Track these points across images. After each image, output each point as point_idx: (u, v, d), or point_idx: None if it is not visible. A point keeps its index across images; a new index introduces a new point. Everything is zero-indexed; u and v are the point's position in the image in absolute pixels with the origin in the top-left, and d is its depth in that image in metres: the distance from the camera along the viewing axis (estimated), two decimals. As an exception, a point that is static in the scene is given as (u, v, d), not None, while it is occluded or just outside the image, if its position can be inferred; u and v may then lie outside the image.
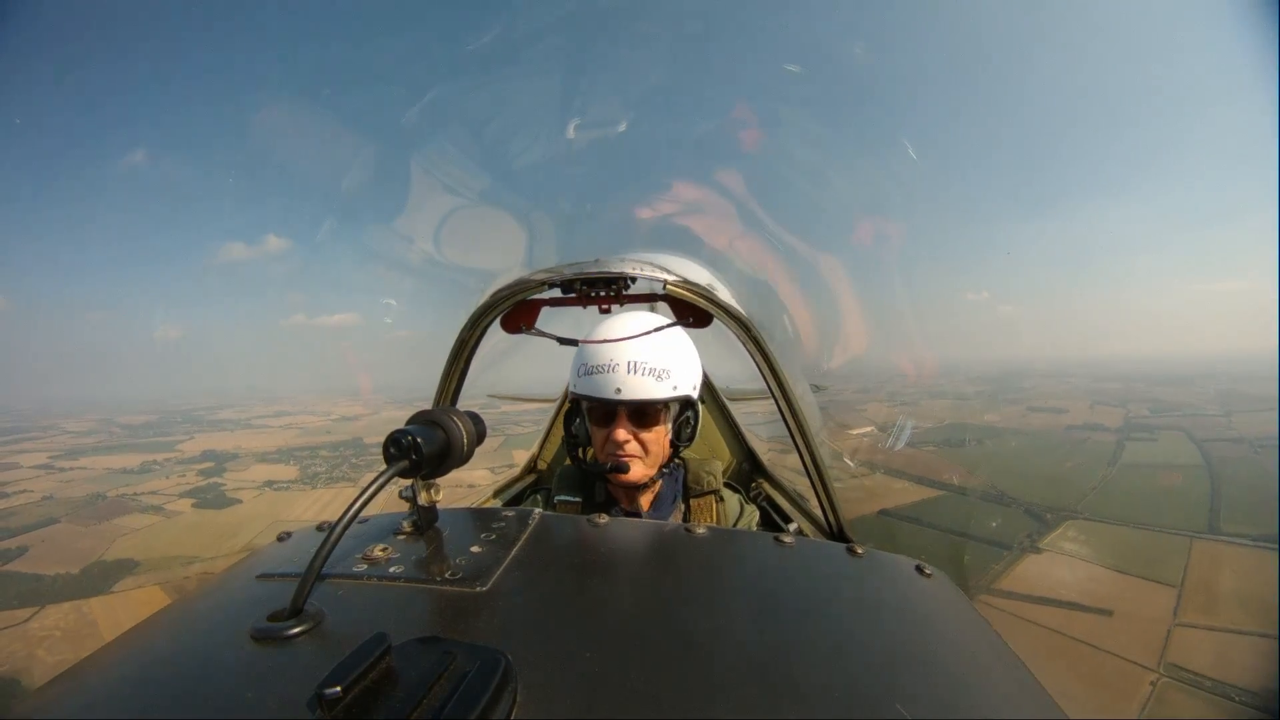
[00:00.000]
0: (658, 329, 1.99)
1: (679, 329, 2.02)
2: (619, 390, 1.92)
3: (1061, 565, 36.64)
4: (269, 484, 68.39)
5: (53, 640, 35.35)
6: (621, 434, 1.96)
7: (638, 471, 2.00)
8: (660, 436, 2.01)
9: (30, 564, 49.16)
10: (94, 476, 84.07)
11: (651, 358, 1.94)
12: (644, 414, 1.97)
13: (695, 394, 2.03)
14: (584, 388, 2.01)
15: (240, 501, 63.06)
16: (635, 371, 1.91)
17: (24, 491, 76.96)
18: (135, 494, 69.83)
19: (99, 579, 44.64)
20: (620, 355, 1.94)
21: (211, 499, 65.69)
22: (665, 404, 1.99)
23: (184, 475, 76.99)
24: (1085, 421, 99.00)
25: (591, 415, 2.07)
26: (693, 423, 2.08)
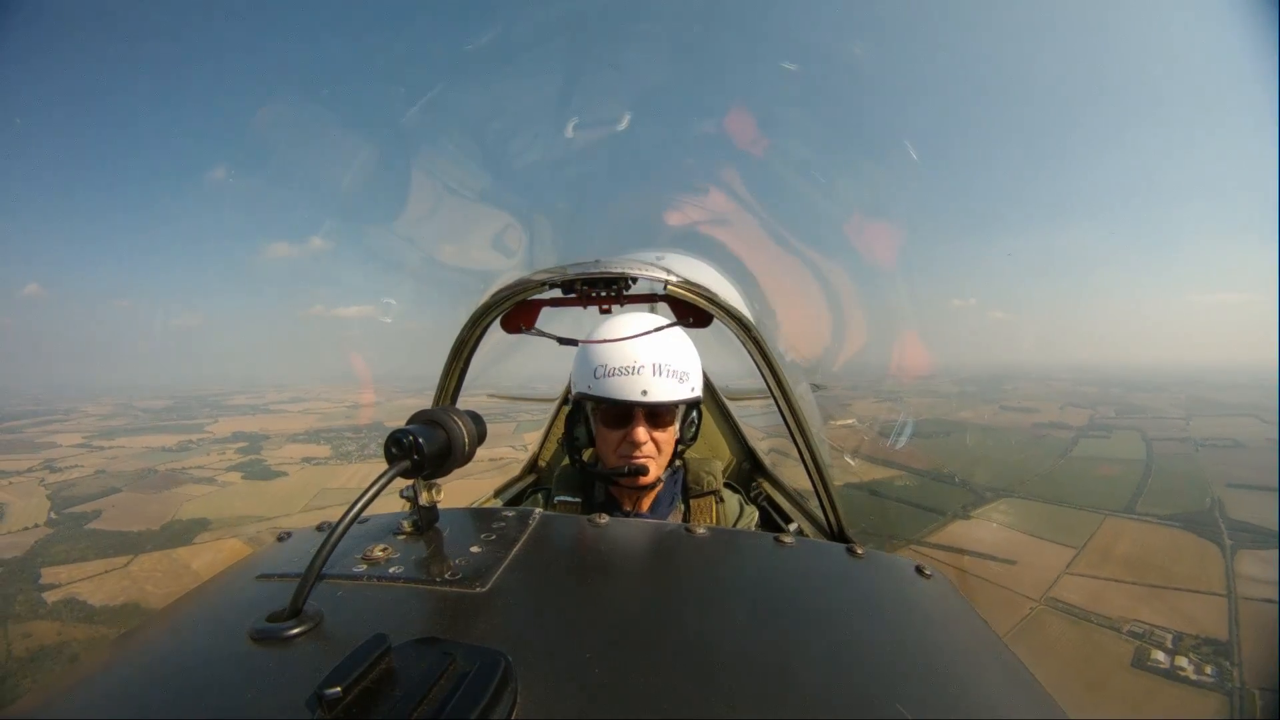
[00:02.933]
0: (666, 326, 1.98)
1: (680, 328, 1.98)
2: (645, 392, 1.88)
3: (984, 529, 44.13)
4: (307, 460, 75.44)
5: (155, 578, 42.71)
6: (642, 435, 1.93)
7: (653, 473, 1.98)
8: (672, 437, 2.01)
9: (109, 524, 56.30)
10: (136, 454, 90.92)
11: (674, 360, 1.91)
12: (659, 415, 1.95)
13: (701, 394, 2.02)
14: (604, 389, 1.93)
15: (286, 474, 69.98)
16: (660, 374, 1.89)
17: (75, 466, 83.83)
18: (183, 468, 76.74)
19: (179, 534, 52.01)
20: (644, 357, 1.89)
21: (258, 472, 72.52)
22: (680, 405, 1.97)
23: (223, 453, 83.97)
24: (1052, 421, 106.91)
25: (604, 417, 2.01)
26: (696, 422, 2.08)
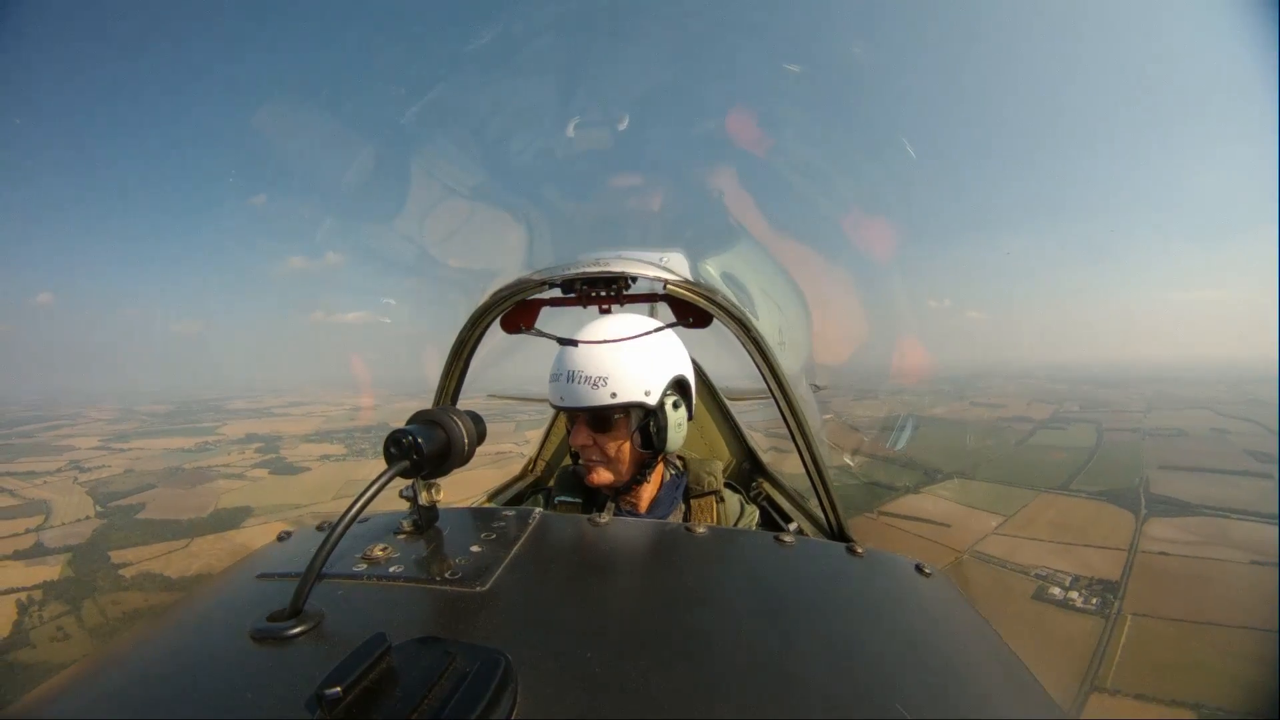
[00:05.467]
0: (667, 326, 2.01)
1: (652, 336, 1.97)
2: (562, 398, 1.94)
3: (930, 501, 51.21)
4: (325, 457, 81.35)
5: (217, 555, 48.74)
6: (580, 438, 1.98)
7: (599, 475, 2.02)
8: (621, 443, 1.99)
9: (156, 513, 62.04)
10: (157, 454, 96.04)
11: (588, 366, 1.91)
12: (602, 419, 1.96)
13: (651, 400, 1.95)
14: (549, 394, 2.03)
15: (309, 469, 75.95)
16: (573, 380, 1.91)
17: (103, 466, 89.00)
18: (210, 466, 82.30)
19: (228, 519, 58.01)
20: (567, 364, 1.94)
21: (282, 468, 78.52)
22: (616, 411, 1.94)
23: (243, 452, 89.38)
24: (1016, 415, 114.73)
25: (566, 420, 2.09)
26: (661, 430, 2.01)
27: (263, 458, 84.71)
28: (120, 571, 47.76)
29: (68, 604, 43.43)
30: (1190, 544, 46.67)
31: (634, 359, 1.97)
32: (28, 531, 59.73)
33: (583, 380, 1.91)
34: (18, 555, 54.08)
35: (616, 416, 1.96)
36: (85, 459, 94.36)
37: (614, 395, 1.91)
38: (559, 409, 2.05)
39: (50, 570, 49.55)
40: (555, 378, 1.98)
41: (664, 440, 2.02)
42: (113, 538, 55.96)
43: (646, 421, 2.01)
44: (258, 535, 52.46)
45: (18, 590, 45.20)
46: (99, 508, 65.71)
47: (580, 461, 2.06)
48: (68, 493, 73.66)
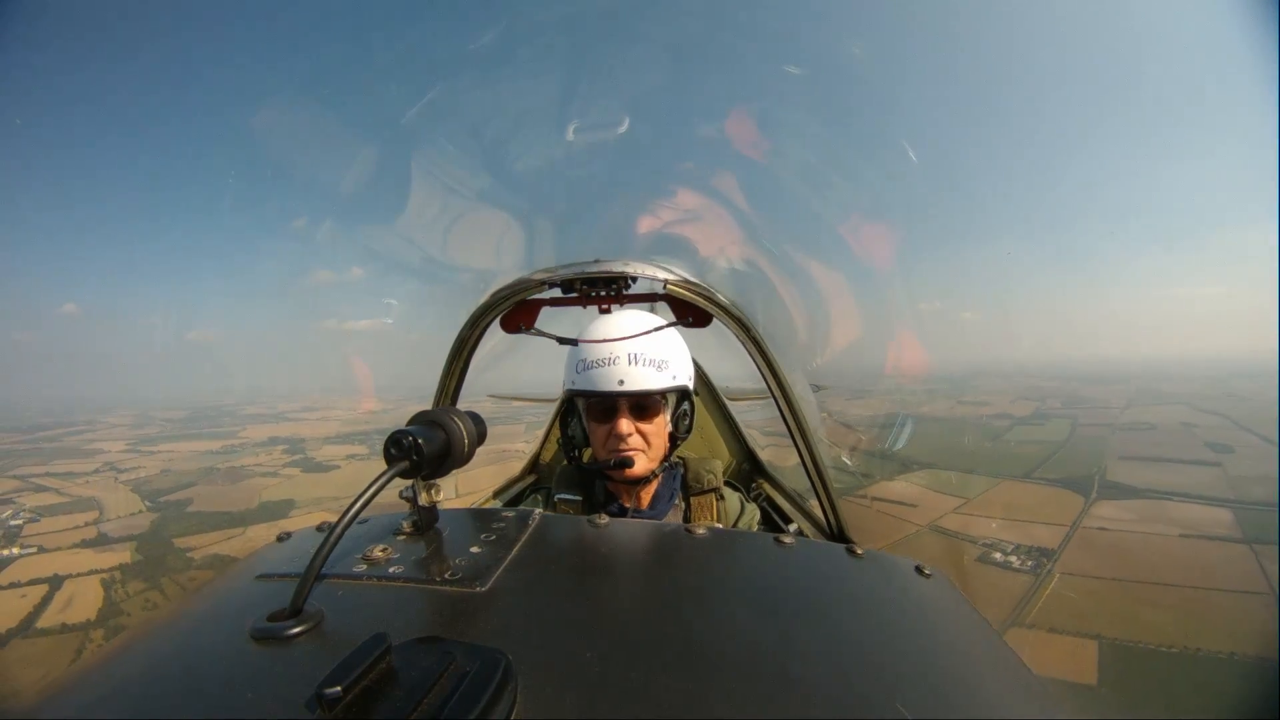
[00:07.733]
0: (656, 329, 2.00)
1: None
2: (622, 382, 1.92)
3: (900, 486, 57.30)
4: (351, 456, 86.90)
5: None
6: (625, 426, 1.95)
7: (641, 465, 2.00)
8: (661, 428, 2.02)
9: (206, 507, 67.59)
10: (187, 457, 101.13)
11: (650, 349, 1.95)
12: (645, 407, 1.97)
13: (691, 385, 2.03)
14: (584, 383, 1.98)
15: (339, 467, 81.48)
16: (636, 363, 1.91)
17: (138, 467, 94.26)
18: (242, 465, 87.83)
19: (275, 511, 63.72)
20: (620, 348, 1.94)
21: (312, 466, 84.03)
22: (664, 395, 1.99)
23: (270, 453, 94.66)
24: (1000, 412, 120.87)
25: (591, 412, 2.06)
26: (690, 414, 2.08)
27: (291, 457, 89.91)
28: (188, 554, 53.70)
29: (146, 581, 49.51)
30: (1129, 521, 52.86)
31: (682, 345, 2.07)
32: (87, 525, 65.29)
33: (647, 363, 1.94)
34: (85, 544, 59.81)
35: (660, 402, 2.01)
36: (118, 460, 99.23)
37: (675, 378, 1.98)
38: (610, 394, 1.98)
39: (120, 556, 55.12)
40: (608, 361, 1.95)
41: (690, 426, 2.11)
42: (170, 528, 61.62)
43: (681, 407, 2.09)
44: (307, 523, 57.97)
45: (98, 571, 51.17)
46: (147, 503, 70.99)
47: (620, 452, 1.99)
48: (113, 490, 78.90)
